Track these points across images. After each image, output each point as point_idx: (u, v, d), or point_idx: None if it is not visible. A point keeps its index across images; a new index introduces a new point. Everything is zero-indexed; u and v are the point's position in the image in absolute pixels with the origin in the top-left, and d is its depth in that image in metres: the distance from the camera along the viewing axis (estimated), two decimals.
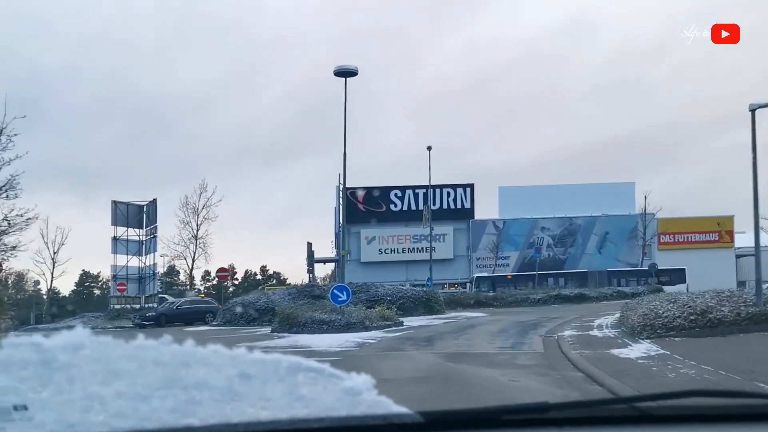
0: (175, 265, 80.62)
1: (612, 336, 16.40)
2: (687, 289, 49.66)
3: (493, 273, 57.89)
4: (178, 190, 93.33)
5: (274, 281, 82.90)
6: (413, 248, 61.34)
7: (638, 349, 13.22)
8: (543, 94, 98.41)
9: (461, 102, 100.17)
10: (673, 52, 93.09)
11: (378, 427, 1.45)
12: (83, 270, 79.49)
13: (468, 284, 55.57)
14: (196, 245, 48.86)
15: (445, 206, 62.23)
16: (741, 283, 65.64)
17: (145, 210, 40.50)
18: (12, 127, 21.85)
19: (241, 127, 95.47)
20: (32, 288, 73.39)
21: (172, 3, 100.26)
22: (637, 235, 61.14)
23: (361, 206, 62.09)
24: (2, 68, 69.29)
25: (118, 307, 39.67)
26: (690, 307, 15.70)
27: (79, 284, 79.89)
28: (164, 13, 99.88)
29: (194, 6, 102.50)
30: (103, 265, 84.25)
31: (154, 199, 40.45)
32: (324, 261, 66.17)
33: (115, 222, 39.11)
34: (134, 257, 39.80)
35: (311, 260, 55.34)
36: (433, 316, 28.67)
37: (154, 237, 39.96)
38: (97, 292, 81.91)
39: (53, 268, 48.72)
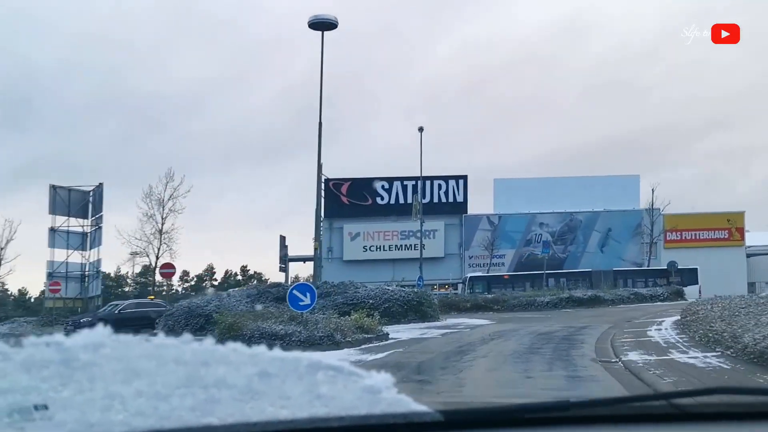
0: (150, 264, 74.63)
1: (720, 365, 10.15)
2: (699, 292, 44.27)
3: (487, 273, 51.82)
4: (168, 190, 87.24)
5: (255, 281, 76.80)
6: (401, 245, 55.06)
7: None
8: (538, 95, 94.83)
9: (456, 103, 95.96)
10: (668, 54, 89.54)
11: (398, 425, 1.41)
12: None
13: (460, 285, 49.47)
14: (160, 240, 42.63)
15: (435, 199, 55.97)
16: (751, 285, 60.33)
17: (90, 196, 33.96)
18: None
19: (234, 126, 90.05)
20: None
21: (169, 1, 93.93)
22: (642, 232, 55.34)
23: (344, 199, 55.79)
24: None
25: (57, 307, 33.03)
26: None
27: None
28: (160, 12, 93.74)
29: (191, 4, 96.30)
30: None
31: (100, 184, 33.91)
32: (304, 259, 59.82)
33: (54, 210, 32.53)
34: (75, 252, 33.21)
35: (284, 256, 48.78)
36: (426, 324, 22.48)
37: (99, 228, 33.36)
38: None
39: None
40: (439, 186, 56.39)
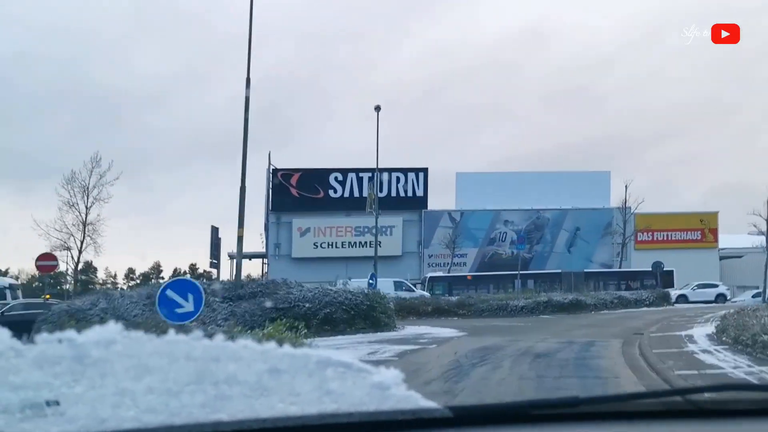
0: (92, 261, 67.34)
1: None
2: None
3: (449, 273, 46.63)
4: (123, 185, 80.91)
5: (204, 280, 70.44)
6: (355, 242, 49.46)
7: None
8: (497, 101, 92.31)
9: (416, 107, 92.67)
10: (622, 64, 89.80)
11: (407, 421, 1.40)
12: None
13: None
14: (84, 233, 36.24)
15: (394, 193, 50.51)
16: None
17: None
18: None
19: (195, 123, 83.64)
20: None
21: None
22: (613, 232, 50.86)
23: (294, 191, 49.93)
24: None
25: None
26: None
27: None
28: (124, 3, 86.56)
29: None
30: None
31: None
32: (250, 257, 53.74)
33: None
34: None
35: (215, 249, 42.43)
36: (379, 337, 16.95)
37: None
38: None
39: None
40: (398, 179, 50.98)
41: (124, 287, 69.26)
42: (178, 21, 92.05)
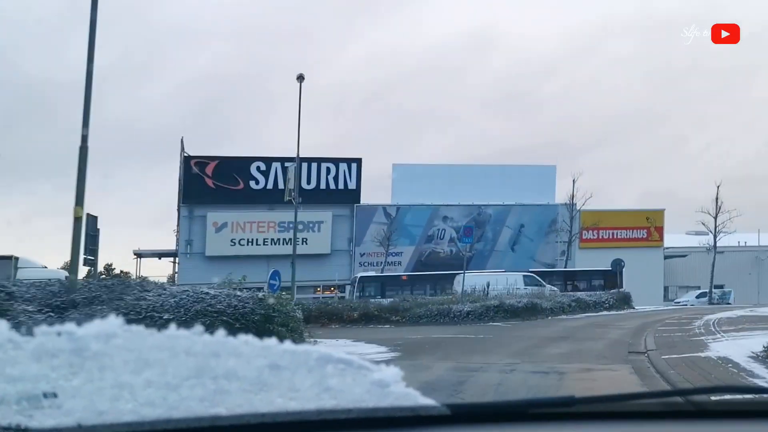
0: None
1: None
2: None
3: (382, 272, 41.37)
4: (50, 185, 72.57)
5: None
6: (279, 239, 43.54)
7: None
8: (440, 105, 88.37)
9: (358, 109, 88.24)
10: (563, 72, 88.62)
11: (405, 418, 1.39)
12: None
13: (348, 287, 38.78)
14: None
15: (323, 185, 44.87)
16: (665, 289, 53.18)
17: None
18: None
19: (128, 120, 75.33)
20: None
21: None
22: (558, 230, 46.67)
23: (209, 181, 43.60)
24: None
25: None
26: None
27: None
28: None
29: None
30: None
31: None
32: (159, 255, 47.13)
33: None
34: None
35: (92, 243, 35.44)
36: None
37: None
38: None
39: None
40: (328, 170, 45.34)
41: None
42: (113, 12, 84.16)
